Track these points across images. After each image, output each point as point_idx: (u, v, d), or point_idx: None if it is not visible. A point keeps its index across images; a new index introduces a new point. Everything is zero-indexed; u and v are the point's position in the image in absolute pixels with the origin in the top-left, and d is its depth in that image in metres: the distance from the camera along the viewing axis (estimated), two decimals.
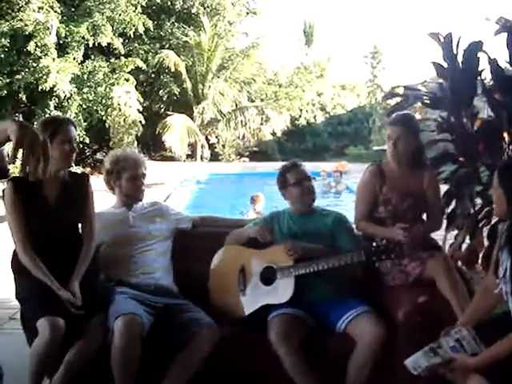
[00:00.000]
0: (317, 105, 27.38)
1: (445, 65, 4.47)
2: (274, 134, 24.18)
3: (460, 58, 4.44)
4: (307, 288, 3.17)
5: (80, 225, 3.29)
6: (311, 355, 3.00)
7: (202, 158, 22.75)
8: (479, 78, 4.50)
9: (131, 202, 3.58)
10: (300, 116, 26.43)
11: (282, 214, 3.55)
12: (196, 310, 3.18)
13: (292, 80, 26.77)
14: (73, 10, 18.04)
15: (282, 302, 3.15)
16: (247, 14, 24.93)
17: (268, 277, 3.26)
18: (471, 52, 4.38)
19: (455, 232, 4.55)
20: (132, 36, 18.39)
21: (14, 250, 3.13)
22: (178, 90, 21.99)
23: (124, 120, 17.97)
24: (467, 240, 4.56)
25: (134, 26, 17.71)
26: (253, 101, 24.58)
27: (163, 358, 2.99)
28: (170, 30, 21.79)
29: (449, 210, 4.38)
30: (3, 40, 15.62)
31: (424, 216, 3.58)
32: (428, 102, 4.53)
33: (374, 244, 3.01)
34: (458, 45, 4.41)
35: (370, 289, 3.35)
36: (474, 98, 4.47)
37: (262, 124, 23.62)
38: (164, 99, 22.61)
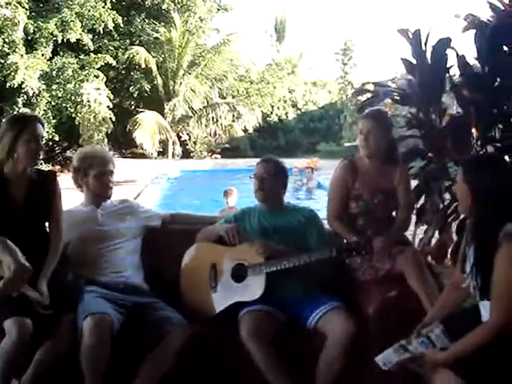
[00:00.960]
0: (288, 101, 27.50)
1: (414, 61, 4.50)
2: (245, 130, 24.25)
3: (429, 55, 4.47)
4: (278, 285, 3.16)
5: (47, 223, 3.23)
6: (282, 352, 2.99)
7: (173, 155, 22.68)
8: (448, 74, 4.54)
9: (99, 199, 3.54)
10: (272, 113, 26.51)
11: (253, 210, 3.54)
12: (167, 308, 3.15)
13: (263, 77, 26.83)
14: (41, 5, 17.84)
15: (253, 299, 3.14)
16: (218, 10, 24.93)
17: (239, 274, 3.25)
18: (440, 48, 4.42)
19: (424, 227, 4.59)
20: (101, 32, 18.24)
21: None
22: (149, 87, 21.94)
23: (94, 117, 17.81)
24: (436, 235, 4.60)
25: (103, 21, 17.60)
26: (224, 97, 24.58)
27: (134, 357, 2.95)
28: (140, 26, 21.70)
29: (418, 205, 4.41)
30: None
31: (394, 213, 3.59)
32: (397, 98, 4.56)
33: (345, 241, 3.01)
34: (426, 41, 4.45)
35: (341, 284, 3.36)
36: (442, 95, 4.51)
37: (233, 121, 23.67)
38: (134, 96, 22.51)
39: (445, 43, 4.43)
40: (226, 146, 23.59)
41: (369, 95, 4.90)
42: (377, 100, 4.54)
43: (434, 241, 4.65)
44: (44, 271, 3.05)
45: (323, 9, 62.85)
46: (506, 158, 4.39)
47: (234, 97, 25.04)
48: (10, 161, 3.04)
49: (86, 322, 2.82)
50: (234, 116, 23.59)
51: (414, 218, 3.93)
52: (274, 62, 29.97)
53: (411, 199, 3.73)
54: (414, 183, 4.20)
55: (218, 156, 22.44)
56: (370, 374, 2.97)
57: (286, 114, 27.25)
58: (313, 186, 13.17)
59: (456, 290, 2.73)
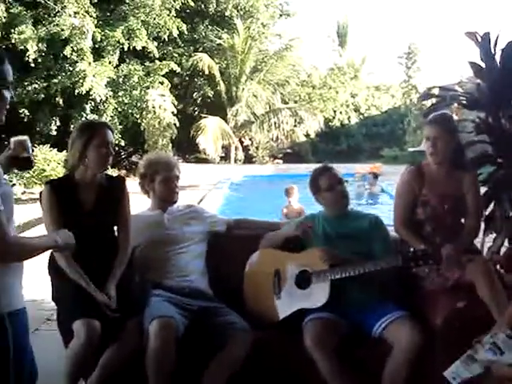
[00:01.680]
0: (351, 106, 27.27)
1: (482, 65, 4.37)
2: (307, 135, 24.17)
3: (498, 58, 4.34)
4: (342, 292, 3.14)
5: (116, 228, 3.31)
6: (346, 360, 2.97)
7: (235, 160, 22.85)
8: None
9: (166, 204, 3.60)
10: (334, 117, 26.36)
11: (317, 217, 3.52)
12: (231, 313, 3.17)
13: (326, 81, 26.73)
14: (108, 14, 18.31)
15: (316, 306, 3.13)
16: (280, 15, 24.96)
17: (303, 281, 3.24)
18: (509, 51, 4.27)
19: (493, 235, 4.45)
20: (166, 39, 18.56)
21: (51, 253, 3.16)
22: (212, 93, 22.19)
23: (159, 123, 18.17)
24: (506, 243, 4.45)
25: (168, 29, 17.93)
26: (286, 102, 24.60)
27: (198, 361, 2.99)
28: (203, 33, 21.97)
29: (487, 212, 4.28)
30: (40, 45, 15.92)
31: (463, 219, 3.50)
32: (465, 102, 4.43)
33: (412, 249, 2.95)
34: (495, 44, 4.31)
35: (407, 294, 3.30)
36: None
37: (295, 126, 23.65)
38: (198, 102, 22.82)
39: None
40: (288, 151, 23.58)
41: (435, 100, 4.79)
42: (443, 105, 4.43)
43: (503, 249, 4.49)
44: (112, 274, 3.12)
45: (386, 12, 62.08)
46: None
47: (296, 102, 25.06)
48: (80, 166, 3.14)
49: (151, 325, 2.88)
50: (295, 121, 23.57)
51: (482, 225, 3.81)
52: (336, 66, 29.80)
53: (480, 206, 3.62)
54: (482, 190, 4.08)
55: (280, 161, 22.46)
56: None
57: (349, 118, 27.04)
58: (376, 191, 12.99)
59: None
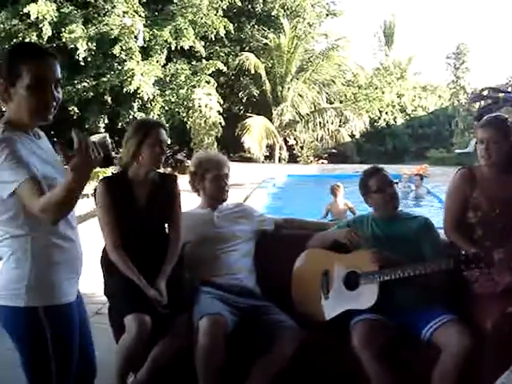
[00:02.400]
0: (397, 106, 26.99)
1: None
2: (352, 135, 24.03)
3: None
4: (391, 294, 3.13)
5: (167, 225, 3.37)
6: (394, 363, 2.96)
7: (279, 160, 22.86)
8: None
9: (215, 202, 3.64)
10: (379, 118, 26.12)
11: (366, 218, 3.51)
12: (279, 312, 3.20)
13: (371, 81, 26.53)
14: (156, 14, 18.55)
15: (365, 307, 3.12)
16: (327, 15, 24.86)
17: (352, 282, 3.24)
18: None
19: None
20: (213, 39, 18.71)
21: (104, 247, 3.24)
22: (258, 92, 22.27)
23: (204, 121, 18.33)
24: None
25: (215, 29, 18.07)
26: (332, 102, 24.51)
27: (247, 358, 3.02)
28: (250, 33, 22.08)
29: None
30: (90, 44, 16.25)
31: None
32: None
33: (463, 252, 2.92)
34: None
35: (456, 297, 3.26)
36: None
37: (340, 126, 23.54)
38: (243, 101, 22.91)
39: None
40: (333, 151, 23.47)
41: (486, 101, 4.72)
42: (496, 107, 4.38)
43: None
44: (163, 270, 3.19)
45: (433, 12, 61.16)
46: None
47: (341, 102, 24.93)
48: (134, 164, 3.21)
49: (201, 322, 2.92)
50: (340, 121, 23.45)
51: None
52: (383, 66, 29.53)
53: None
54: None
55: (325, 161, 22.34)
56: None
57: (395, 119, 26.75)
58: (422, 192, 12.81)
59: None
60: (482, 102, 4.21)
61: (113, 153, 1.92)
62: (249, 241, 3.62)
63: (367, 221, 3.48)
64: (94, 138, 1.89)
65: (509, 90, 4.48)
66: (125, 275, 3.11)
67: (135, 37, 16.69)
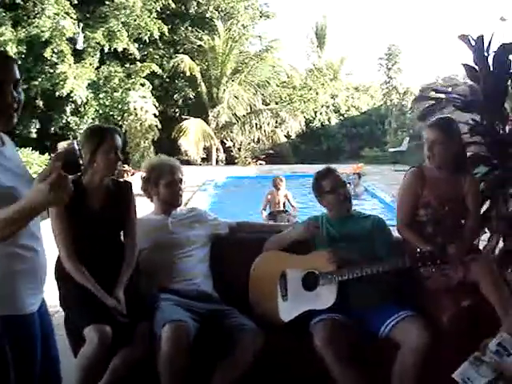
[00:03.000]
0: (331, 107, 27.40)
1: (475, 67, 4.45)
2: (288, 136, 24.25)
3: (490, 61, 4.42)
4: (350, 293, 3.18)
5: (122, 232, 3.32)
6: (355, 360, 2.99)
7: (217, 162, 22.81)
8: (510, 80, 4.48)
9: (170, 208, 3.61)
10: (314, 118, 26.46)
11: (320, 218, 3.56)
12: (239, 315, 3.20)
13: (306, 82, 26.80)
14: (88, 16, 18.19)
15: (324, 307, 3.16)
16: (260, 17, 24.99)
17: (310, 282, 3.27)
18: (502, 54, 4.35)
19: (488, 235, 4.52)
20: (147, 41, 18.52)
21: (58, 257, 3.16)
22: (193, 94, 22.15)
23: (140, 125, 18.13)
24: (501, 242, 4.53)
25: (149, 30, 17.89)
26: (267, 104, 24.64)
27: (208, 363, 3.01)
28: (184, 35, 21.97)
29: (482, 211, 4.35)
30: (20, 47, 15.78)
31: (463, 221, 3.56)
32: (459, 104, 4.50)
33: (419, 250, 3.00)
34: (488, 47, 4.39)
35: (411, 293, 3.34)
36: (505, 101, 4.45)
37: (276, 127, 23.71)
38: (179, 103, 22.72)
39: (508, 49, 4.36)
40: (270, 151, 23.61)
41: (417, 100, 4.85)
42: (439, 107, 4.50)
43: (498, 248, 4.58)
44: (120, 279, 3.13)
45: (364, 14, 62.51)
46: None
47: (276, 103, 25.08)
48: (88, 171, 3.14)
49: (164, 329, 2.88)
50: (276, 122, 23.62)
51: None
52: (316, 67, 29.89)
53: (480, 209, 3.70)
54: None
55: (263, 162, 22.44)
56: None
57: (329, 119, 27.15)
58: (360, 191, 13.07)
59: None
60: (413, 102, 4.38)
61: (80, 160, 1.86)
62: (204, 245, 3.60)
63: (322, 221, 3.52)
64: (62, 144, 1.84)
65: (449, 90, 4.64)
66: (81, 285, 3.04)
67: (71, 39, 16.29)
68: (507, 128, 4.51)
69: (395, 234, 3.59)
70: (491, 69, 4.40)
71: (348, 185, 3.58)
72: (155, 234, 3.51)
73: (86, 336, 2.87)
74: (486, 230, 4.24)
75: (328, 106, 27.27)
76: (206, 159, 22.71)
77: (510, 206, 4.39)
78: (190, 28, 22.32)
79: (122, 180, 3.41)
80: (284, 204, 9.47)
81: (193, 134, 21.00)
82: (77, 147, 1.83)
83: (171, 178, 3.56)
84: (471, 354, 2.66)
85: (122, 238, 3.33)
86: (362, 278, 3.13)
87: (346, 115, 27.71)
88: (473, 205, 3.53)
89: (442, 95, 4.64)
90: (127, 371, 2.99)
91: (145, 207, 3.69)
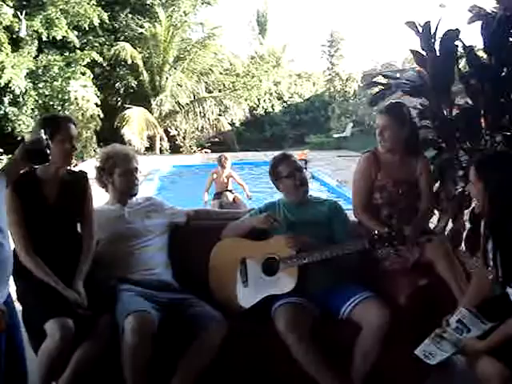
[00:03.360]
0: (274, 94, 27.49)
1: (423, 53, 4.55)
2: (232, 124, 24.22)
3: (437, 47, 4.52)
4: (310, 277, 3.22)
5: (79, 223, 3.26)
6: (317, 343, 3.03)
7: (161, 151, 22.59)
8: (456, 65, 4.60)
9: (125, 197, 3.56)
10: (258, 106, 26.51)
11: (277, 204, 3.58)
12: (202, 304, 3.18)
13: (249, 70, 26.76)
14: (25, 3, 17.61)
15: (285, 291, 3.19)
16: (202, 3, 24.77)
17: (270, 268, 3.29)
18: (448, 40, 4.46)
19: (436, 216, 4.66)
20: (87, 28, 18.10)
21: (14, 251, 3.07)
22: (135, 83, 21.82)
23: (82, 114, 17.73)
24: (450, 223, 4.68)
25: (88, 18, 17.48)
26: (211, 92, 24.52)
27: (172, 353, 2.99)
28: (124, 22, 21.56)
29: None
30: None
31: (417, 202, 3.65)
32: (408, 89, 4.60)
33: (377, 232, 3.06)
34: (435, 33, 4.49)
35: (369, 275, 3.41)
36: (452, 86, 4.57)
37: (220, 115, 23.64)
38: (121, 92, 22.35)
39: (453, 35, 4.48)
40: (216, 139, 23.56)
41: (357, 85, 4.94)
42: (389, 92, 4.59)
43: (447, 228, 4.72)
44: (79, 271, 3.08)
45: (303, 1, 62.81)
46: None
47: (220, 91, 24.97)
48: None
49: (127, 321, 2.84)
50: (220, 110, 23.56)
51: None
52: (258, 54, 29.89)
53: (432, 189, 3.80)
54: None
55: (208, 150, 22.38)
56: (401, 361, 3.06)
57: (272, 106, 27.24)
58: (307, 177, 13.23)
59: (483, 280, 2.80)
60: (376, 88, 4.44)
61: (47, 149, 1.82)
62: (162, 235, 3.57)
63: (279, 206, 3.55)
64: (29, 134, 1.80)
65: (398, 75, 4.74)
66: (39, 279, 2.97)
67: (8, 28, 15.73)
68: (454, 112, 4.64)
69: (351, 217, 3.66)
70: (438, 54, 4.52)
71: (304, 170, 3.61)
72: (112, 225, 3.46)
73: (48, 331, 2.80)
74: (436, 211, 4.37)
75: (271, 94, 27.35)
76: (150, 148, 22.44)
77: (458, 187, 4.54)
78: (130, 15, 21.90)
79: (78, 170, 3.34)
80: (228, 182, 9.48)
81: (136, 123, 20.73)
82: (44, 136, 1.79)
83: (127, 166, 3.51)
84: (429, 332, 2.74)
85: (78, 229, 3.27)
86: (322, 262, 3.17)
87: (289, 102, 27.86)
88: (426, 186, 3.63)
89: (391, 81, 4.72)
90: (89, 365, 2.94)
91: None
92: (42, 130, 1.85)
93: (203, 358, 2.97)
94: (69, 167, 3.23)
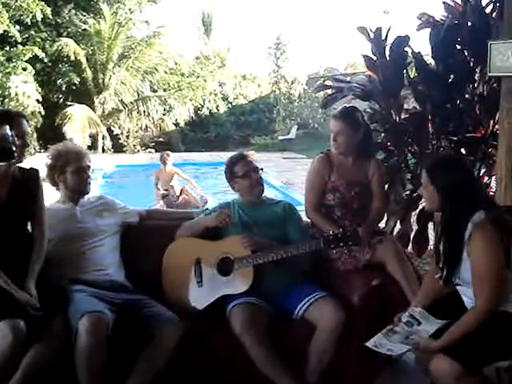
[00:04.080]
0: (219, 95, 27.43)
1: (374, 58, 4.66)
2: (177, 124, 24.05)
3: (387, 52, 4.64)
4: (265, 277, 3.23)
5: (30, 222, 3.17)
6: (273, 343, 3.04)
7: (104, 150, 22.22)
8: (405, 71, 4.73)
9: (77, 196, 3.49)
10: (203, 106, 26.36)
11: (232, 204, 3.58)
12: (156, 304, 3.15)
13: (194, 70, 26.63)
14: None
15: (240, 291, 3.20)
16: (148, 1, 24.50)
17: (225, 267, 3.29)
18: (398, 46, 4.59)
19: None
20: (29, 23, 17.65)
21: None
22: (78, 80, 21.38)
23: (22, 110, 17.20)
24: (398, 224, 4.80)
25: (31, 12, 17.03)
26: (155, 91, 24.27)
27: (127, 355, 2.95)
28: (68, 18, 21.09)
29: None
30: None
31: (369, 204, 3.73)
32: (359, 93, 4.70)
33: (331, 232, 3.10)
34: (386, 39, 4.60)
35: (323, 275, 3.45)
36: (401, 90, 4.69)
37: (164, 114, 23.44)
38: (63, 89, 21.85)
39: (403, 41, 4.60)
40: (160, 139, 23.32)
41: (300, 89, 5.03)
42: (340, 96, 4.68)
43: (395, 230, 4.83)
44: (31, 271, 3.00)
45: (248, 3, 63.02)
46: (462, 150, 4.64)
47: (165, 90, 24.72)
48: None
49: (81, 322, 2.78)
50: (165, 109, 23.37)
51: None
52: (203, 55, 29.78)
53: (384, 191, 3.89)
54: None
55: (152, 150, 22.12)
56: (355, 359, 3.12)
57: (217, 107, 27.16)
58: None
59: (434, 280, 2.88)
60: (328, 91, 4.49)
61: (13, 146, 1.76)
62: (114, 234, 3.52)
63: (233, 206, 3.55)
64: None
65: (348, 79, 4.85)
66: None
67: None
68: (403, 116, 4.77)
69: (304, 218, 3.70)
70: (388, 60, 4.63)
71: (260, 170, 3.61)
72: (63, 224, 3.38)
73: None
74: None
75: (216, 94, 27.27)
76: (93, 147, 21.99)
77: (406, 190, 4.66)
78: (74, 11, 21.44)
79: (29, 167, 3.24)
80: (172, 179, 9.67)
81: (78, 121, 20.32)
82: (9, 133, 1.73)
83: (79, 164, 3.43)
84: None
85: (29, 228, 3.18)
86: (277, 262, 3.19)
87: (234, 103, 27.84)
88: (378, 188, 3.71)
89: (343, 84, 4.80)
90: (41, 367, 2.85)
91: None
92: (7, 127, 1.79)
93: (158, 359, 2.93)
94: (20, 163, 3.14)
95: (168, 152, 10.15)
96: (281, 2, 60.84)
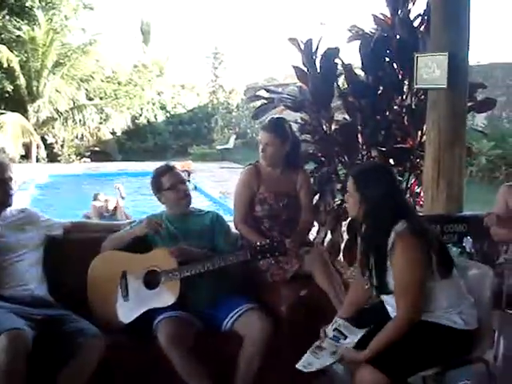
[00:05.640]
0: (157, 104, 27.19)
1: (305, 69, 4.70)
2: (113, 133, 23.66)
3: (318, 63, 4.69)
4: (192, 289, 3.19)
5: None
6: (201, 356, 3.02)
7: (37, 159, 21.64)
8: (336, 82, 4.79)
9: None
10: (140, 115, 26.07)
11: (159, 216, 3.53)
12: (79, 319, 3.05)
13: (131, 78, 26.32)
14: None
15: (167, 305, 3.15)
16: (84, 8, 24.06)
17: (152, 281, 3.23)
18: (329, 58, 4.64)
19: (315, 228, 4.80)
20: None
21: None
22: (11, 87, 20.77)
23: None
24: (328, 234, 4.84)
25: None
26: (91, 99, 23.82)
27: (48, 372, 2.85)
28: (1, 24, 20.48)
29: None
30: None
31: (298, 215, 3.74)
32: (290, 104, 4.73)
33: (258, 243, 3.09)
34: (316, 50, 4.65)
35: (252, 286, 3.44)
36: (331, 102, 4.75)
37: (101, 123, 23.00)
38: None
39: (333, 53, 4.66)
40: (96, 149, 22.89)
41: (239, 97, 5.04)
42: (271, 106, 4.69)
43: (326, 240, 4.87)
44: None
45: (188, 13, 62.88)
46: (391, 160, 4.73)
47: (101, 98, 24.29)
48: None
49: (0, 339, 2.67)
50: (101, 118, 22.95)
51: None
52: (141, 63, 29.48)
53: (312, 202, 3.91)
54: None
55: (88, 159, 21.70)
56: (284, 370, 3.11)
57: (155, 116, 26.89)
58: (190, 189, 13.21)
59: (359, 290, 2.90)
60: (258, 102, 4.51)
61: None
62: (37, 248, 3.40)
63: (161, 219, 3.50)
64: None
65: (280, 90, 4.86)
66: None
67: None
68: (333, 127, 4.82)
69: (233, 228, 3.68)
70: (319, 71, 4.68)
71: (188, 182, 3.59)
72: None
73: None
74: (315, 223, 4.50)
75: (154, 103, 27.01)
76: (26, 156, 21.39)
77: (336, 200, 4.71)
78: (8, 17, 20.83)
79: None
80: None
81: (11, 130, 19.71)
82: None
83: (1, 176, 3.31)
84: (310, 340, 2.80)
85: None
86: (204, 274, 3.16)
87: (172, 112, 27.64)
88: (306, 199, 3.73)
89: (274, 95, 4.82)
90: None
91: None
92: None
93: (80, 376, 2.85)
94: None
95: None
96: (223, 12, 61.09)
